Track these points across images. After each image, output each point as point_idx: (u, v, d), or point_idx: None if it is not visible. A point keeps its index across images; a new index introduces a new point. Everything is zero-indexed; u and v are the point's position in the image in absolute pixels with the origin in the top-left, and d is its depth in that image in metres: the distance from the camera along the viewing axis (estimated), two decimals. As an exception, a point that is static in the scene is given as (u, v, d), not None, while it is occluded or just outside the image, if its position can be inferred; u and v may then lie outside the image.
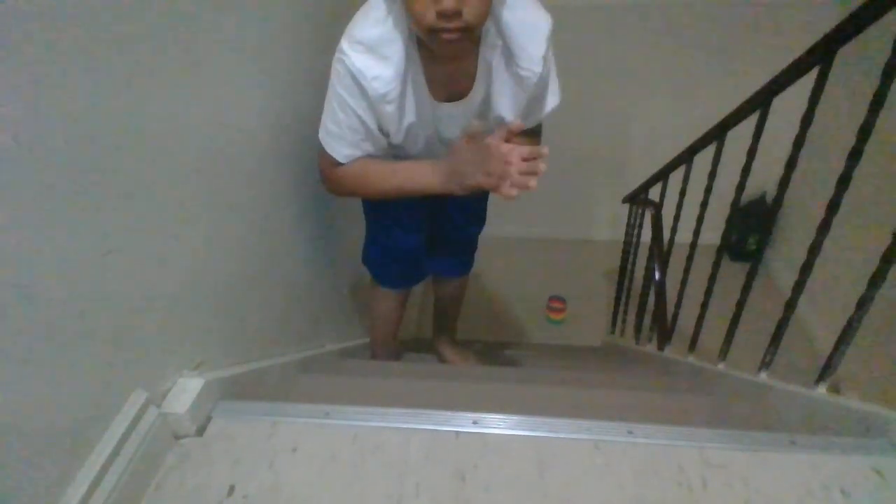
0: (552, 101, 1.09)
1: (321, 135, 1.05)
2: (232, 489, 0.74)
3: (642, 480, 0.76)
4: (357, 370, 1.66)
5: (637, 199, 2.41)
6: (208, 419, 0.85)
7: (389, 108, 0.98)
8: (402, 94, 0.98)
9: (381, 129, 1.05)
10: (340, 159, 1.05)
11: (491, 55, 0.97)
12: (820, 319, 2.54)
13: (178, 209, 0.83)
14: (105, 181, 0.67)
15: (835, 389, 1.06)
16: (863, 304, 0.97)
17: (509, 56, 0.96)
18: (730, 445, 0.81)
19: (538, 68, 0.97)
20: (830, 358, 1.04)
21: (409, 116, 1.03)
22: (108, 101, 0.67)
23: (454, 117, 1.06)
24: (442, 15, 0.77)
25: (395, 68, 0.93)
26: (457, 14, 0.78)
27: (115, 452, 0.69)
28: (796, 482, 0.76)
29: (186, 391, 0.83)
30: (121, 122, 0.69)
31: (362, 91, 0.95)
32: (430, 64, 0.97)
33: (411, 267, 1.61)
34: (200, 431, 0.83)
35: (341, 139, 1.03)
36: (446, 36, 0.82)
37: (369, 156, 1.07)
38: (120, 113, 0.69)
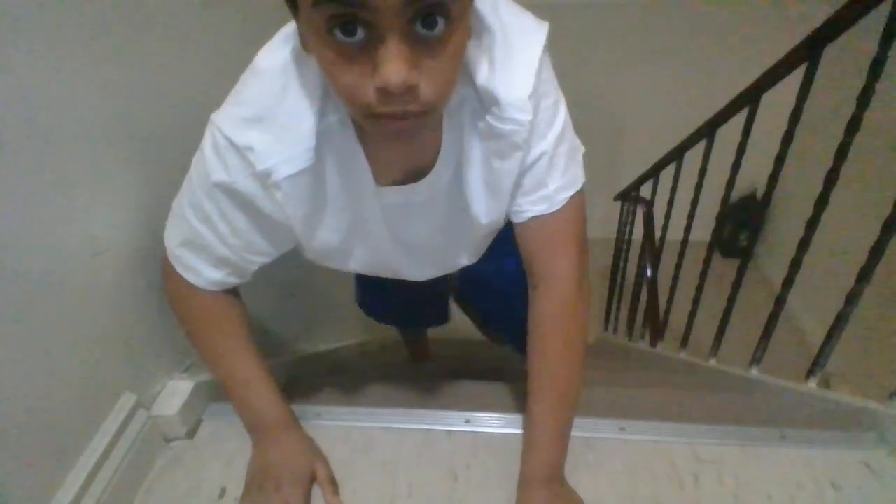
0: (572, 160, 0.67)
1: (170, 247, 0.69)
2: (224, 491, 0.73)
3: (634, 477, 0.76)
4: (349, 370, 1.66)
5: (628, 196, 2.42)
6: (199, 421, 0.85)
7: (283, 201, 0.60)
8: (324, 179, 0.62)
9: (272, 242, 0.67)
10: (203, 284, 0.69)
11: (458, 111, 0.60)
12: (810, 315, 2.56)
13: (167, 207, 0.82)
14: (94, 181, 0.67)
15: (825, 384, 1.07)
16: (852, 298, 0.97)
17: (481, 106, 0.59)
18: (721, 441, 0.81)
19: (524, 115, 0.58)
20: (820, 353, 1.05)
21: (336, 218, 0.66)
22: (98, 95, 0.66)
23: (412, 208, 0.67)
24: (385, 93, 0.45)
25: (291, 141, 0.57)
26: (409, 91, 0.45)
27: (105, 456, 0.69)
28: (787, 476, 0.76)
29: (176, 394, 0.82)
30: (110, 117, 0.69)
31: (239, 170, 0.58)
32: (369, 135, 0.60)
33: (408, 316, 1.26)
34: (191, 434, 0.82)
35: (202, 256, 0.67)
36: (394, 126, 0.49)
37: (241, 319, 0.74)
38: (109, 107, 0.68)
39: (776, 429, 0.83)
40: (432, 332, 1.72)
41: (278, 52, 0.57)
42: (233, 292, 0.75)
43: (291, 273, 1.33)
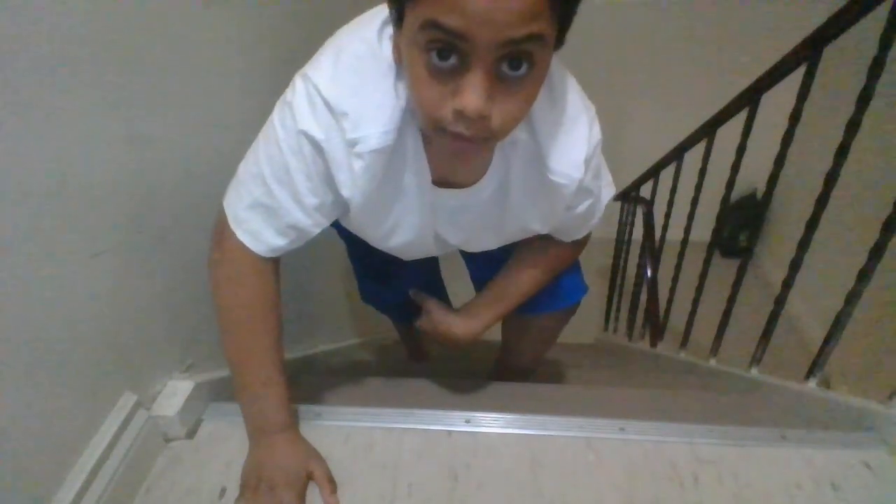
0: (606, 196, 0.80)
1: (233, 211, 0.70)
2: (224, 491, 0.73)
3: (634, 477, 0.76)
4: (349, 370, 1.66)
5: (628, 196, 2.42)
6: (199, 421, 0.85)
7: (359, 173, 0.64)
8: (394, 164, 0.66)
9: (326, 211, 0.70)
10: (262, 250, 0.70)
11: (511, 150, 0.67)
12: (810, 314, 2.56)
13: (169, 209, 0.83)
14: (94, 181, 0.67)
15: (825, 384, 1.07)
16: (851, 298, 0.97)
17: (537, 156, 0.67)
18: (721, 441, 0.81)
19: (577, 173, 0.68)
20: (820, 353, 1.04)
21: (399, 204, 0.72)
22: (97, 95, 0.66)
23: (454, 211, 0.74)
24: (461, 115, 0.50)
25: (383, 118, 0.61)
26: (482, 119, 0.50)
27: (105, 456, 0.69)
28: (787, 476, 0.76)
29: (176, 394, 0.82)
30: (110, 116, 0.69)
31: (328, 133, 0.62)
32: (429, 138, 0.66)
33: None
34: (191, 434, 0.83)
35: (269, 220, 0.69)
36: (460, 145, 0.54)
37: (273, 324, 0.76)
38: (109, 107, 0.68)
39: (776, 429, 0.84)
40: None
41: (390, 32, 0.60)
42: (278, 279, 0.77)
43: (291, 274, 1.33)
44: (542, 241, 0.86)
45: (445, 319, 0.93)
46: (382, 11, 0.62)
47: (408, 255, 0.87)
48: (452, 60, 0.49)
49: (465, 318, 0.92)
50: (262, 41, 1.12)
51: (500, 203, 0.74)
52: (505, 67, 0.49)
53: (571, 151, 0.67)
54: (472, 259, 1.05)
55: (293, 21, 1.25)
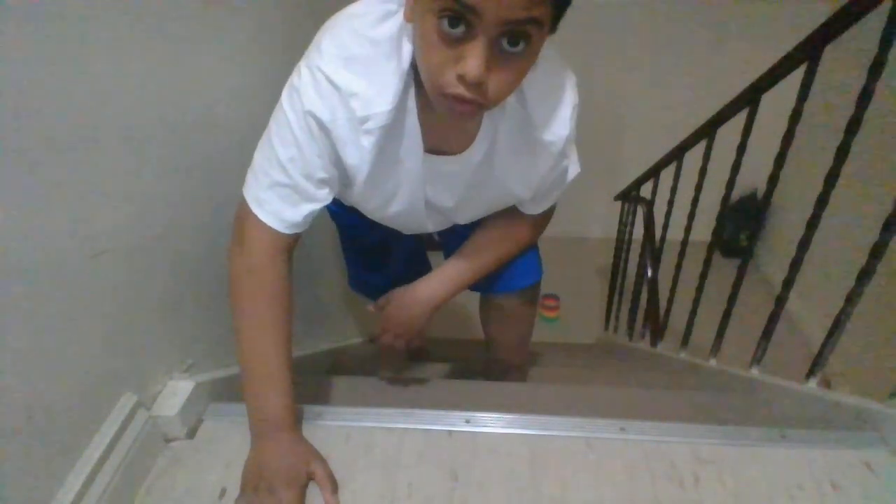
0: (573, 171, 0.86)
1: (254, 195, 0.74)
2: (224, 491, 0.73)
3: (634, 477, 0.76)
4: (349, 370, 1.66)
5: (629, 196, 2.41)
6: (199, 421, 0.85)
7: (368, 148, 0.71)
8: (393, 137, 0.72)
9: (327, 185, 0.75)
10: (283, 228, 0.74)
11: (499, 116, 0.74)
12: (811, 314, 2.55)
13: (169, 209, 0.83)
14: (95, 181, 0.67)
15: (825, 384, 1.07)
16: (852, 298, 0.97)
17: (525, 119, 0.74)
18: (721, 441, 0.81)
19: (564, 130, 0.75)
20: (821, 352, 1.04)
21: (396, 173, 0.77)
22: (98, 96, 0.66)
23: (446, 177, 0.80)
24: (462, 80, 0.57)
25: (388, 96, 0.68)
26: (480, 85, 0.57)
27: (105, 456, 0.69)
28: (787, 476, 0.76)
29: (177, 394, 0.82)
30: (109, 118, 0.69)
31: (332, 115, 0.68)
32: (425, 109, 0.72)
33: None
34: (191, 434, 0.83)
35: (286, 196, 0.73)
36: (458, 107, 0.61)
37: (284, 312, 0.77)
38: (109, 108, 0.68)
39: (776, 429, 0.83)
40: (431, 332, 1.71)
41: (391, 22, 0.67)
42: (291, 274, 0.79)
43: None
44: (506, 217, 0.93)
45: (406, 289, 0.98)
46: None
47: (404, 226, 0.93)
48: (460, 29, 0.55)
49: (427, 279, 0.98)
50: (259, 43, 1.12)
51: (488, 167, 0.79)
52: (504, 43, 0.56)
53: (558, 111, 0.75)
54: (449, 242, 1.09)
55: (292, 22, 1.24)
